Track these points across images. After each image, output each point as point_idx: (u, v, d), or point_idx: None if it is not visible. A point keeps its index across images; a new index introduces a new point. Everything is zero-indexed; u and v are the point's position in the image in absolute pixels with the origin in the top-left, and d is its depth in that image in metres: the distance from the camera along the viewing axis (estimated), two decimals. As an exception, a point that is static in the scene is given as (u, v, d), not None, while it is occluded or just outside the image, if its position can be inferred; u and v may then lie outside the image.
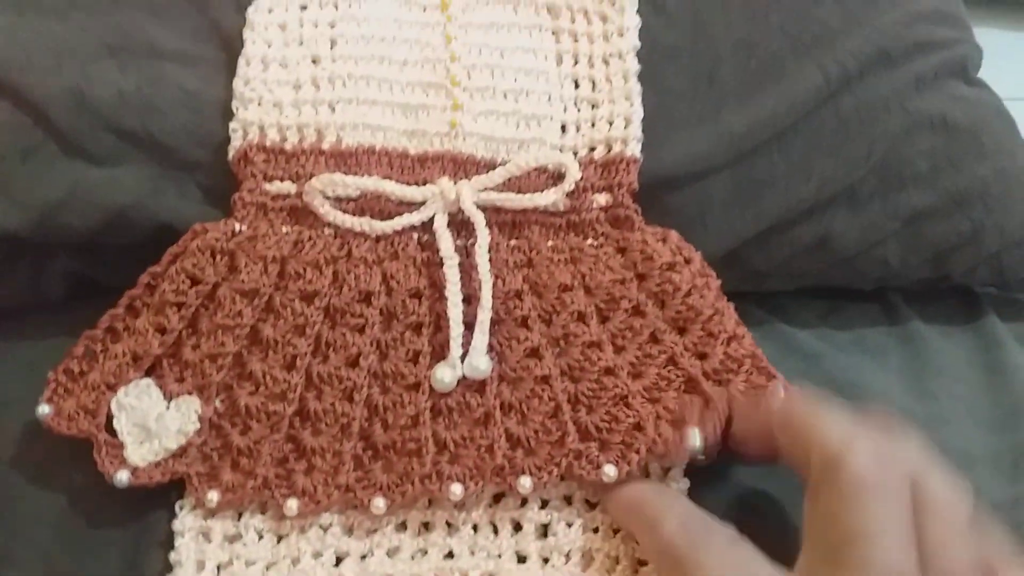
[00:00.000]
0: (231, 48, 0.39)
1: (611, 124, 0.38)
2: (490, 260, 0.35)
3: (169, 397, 0.32)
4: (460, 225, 0.36)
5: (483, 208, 0.36)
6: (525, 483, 0.31)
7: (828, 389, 0.37)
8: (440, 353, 0.33)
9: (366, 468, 0.32)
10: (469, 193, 0.36)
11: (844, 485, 0.26)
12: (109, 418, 0.32)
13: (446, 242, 0.35)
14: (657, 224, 0.37)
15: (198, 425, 0.32)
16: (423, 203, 0.36)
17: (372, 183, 0.36)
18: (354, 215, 0.36)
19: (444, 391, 0.33)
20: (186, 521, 0.31)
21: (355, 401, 0.32)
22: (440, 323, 0.34)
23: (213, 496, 0.31)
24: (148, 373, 0.33)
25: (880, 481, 0.26)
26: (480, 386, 0.33)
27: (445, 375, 0.32)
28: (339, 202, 0.36)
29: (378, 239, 0.36)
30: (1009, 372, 0.39)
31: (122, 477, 0.31)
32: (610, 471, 0.30)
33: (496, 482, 0.31)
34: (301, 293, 0.34)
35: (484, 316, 0.33)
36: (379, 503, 0.31)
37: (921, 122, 0.40)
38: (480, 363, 0.33)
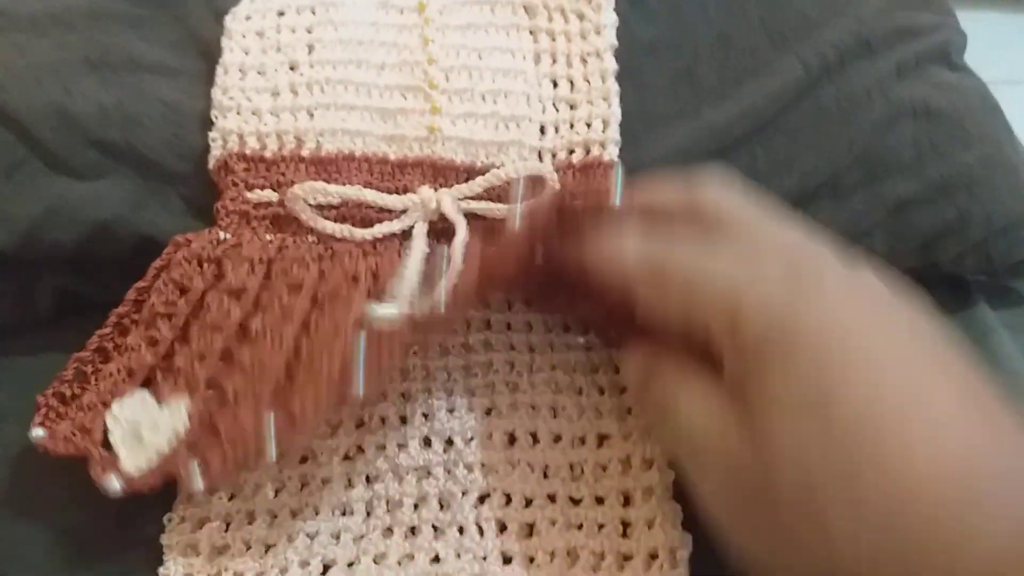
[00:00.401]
0: (210, 58, 0.39)
1: (589, 126, 0.38)
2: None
3: (162, 404, 0.33)
4: (440, 232, 0.36)
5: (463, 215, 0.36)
6: None
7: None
8: None
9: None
10: (450, 202, 0.36)
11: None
12: (106, 434, 0.32)
13: (417, 249, 0.35)
14: (641, 220, 0.37)
15: (189, 424, 0.32)
16: (404, 211, 0.36)
17: (354, 192, 0.36)
18: (336, 222, 0.36)
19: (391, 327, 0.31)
20: (173, 535, 0.31)
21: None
22: None
23: (200, 481, 0.30)
24: (143, 386, 0.33)
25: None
26: None
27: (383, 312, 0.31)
28: (321, 209, 0.36)
29: (360, 244, 0.36)
30: (998, 361, 0.39)
31: (116, 486, 0.31)
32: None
33: None
34: (288, 287, 0.34)
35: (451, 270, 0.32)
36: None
37: (903, 110, 0.39)
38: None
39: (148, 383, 0.33)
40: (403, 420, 0.34)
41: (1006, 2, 1.10)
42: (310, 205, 0.36)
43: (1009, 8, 1.10)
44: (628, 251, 0.28)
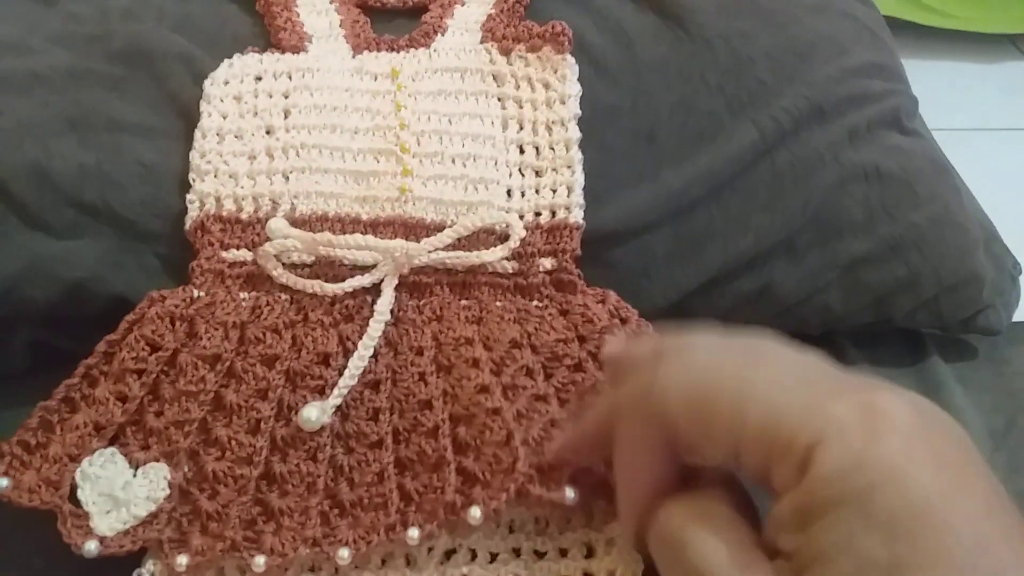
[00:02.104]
0: (188, 118, 0.41)
1: (554, 192, 0.40)
2: (441, 314, 0.37)
3: (135, 465, 0.33)
4: (412, 287, 0.37)
5: (435, 269, 0.37)
6: (475, 513, 0.31)
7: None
8: (399, 408, 0.34)
9: (332, 524, 0.32)
10: (419, 253, 0.37)
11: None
12: (72, 489, 0.32)
13: (386, 298, 0.36)
14: (603, 277, 0.39)
15: (168, 491, 0.32)
16: (374, 266, 0.37)
17: (323, 238, 0.37)
18: (308, 279, 0.37)
19: (311, 429, 0.33)
20: None
21: (319, 460, 0.33)
22: (396, 379, 0.35)
23: (183, 560, 0.31)
24: (111, 442, 0.33)
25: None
26: (432, 431, 0.33)
27: (311, 415, 0.33)
28: (294, 268, 0.38)
29: (333, 302, 0.37)
30: (951, 414, 0.40)
31: (91, 547, 0.31)
32: (571, 493, 0.31)
33: (450, 520, 0.31)
34: (262, 357, 0.35)
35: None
36: (344, 554, 0.31)
37: (855, 173, 0.41)
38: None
39: (115, 439, 0.33)
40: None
41: (973, 52, 1.13)
42: (284, 264, 0.37)
43: (976, 58, 1.13)
44: (669, 388, 0.25)
